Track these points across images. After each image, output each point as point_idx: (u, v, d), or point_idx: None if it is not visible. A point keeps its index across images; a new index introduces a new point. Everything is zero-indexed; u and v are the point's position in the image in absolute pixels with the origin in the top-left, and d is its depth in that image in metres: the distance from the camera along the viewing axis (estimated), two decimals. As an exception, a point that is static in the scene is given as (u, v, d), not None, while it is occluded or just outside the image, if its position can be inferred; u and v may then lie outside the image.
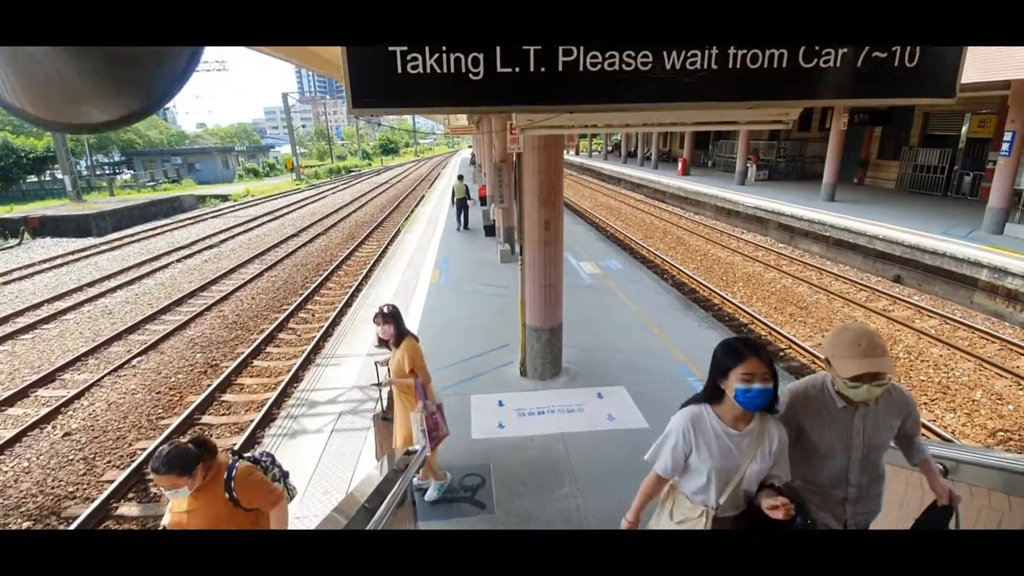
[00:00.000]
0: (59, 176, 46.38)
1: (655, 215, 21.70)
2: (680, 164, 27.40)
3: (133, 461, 6.20)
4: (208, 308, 11.73)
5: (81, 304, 12.55)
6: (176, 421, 6.89)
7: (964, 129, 17.07)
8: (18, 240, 21.06)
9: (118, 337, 10.23)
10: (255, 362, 8.92)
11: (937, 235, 11.65)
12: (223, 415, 7.27)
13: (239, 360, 8.68)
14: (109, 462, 6.44)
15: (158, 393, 7.94)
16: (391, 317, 3.76)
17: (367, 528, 2.25)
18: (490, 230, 13.81)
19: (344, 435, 5.06)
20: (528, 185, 5.07)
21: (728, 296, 10.99)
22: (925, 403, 6.77)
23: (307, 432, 5.13)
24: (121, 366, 8.85)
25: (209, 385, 7.92)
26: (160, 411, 7.45)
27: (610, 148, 46.88)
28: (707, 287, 11.73)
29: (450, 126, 30.95)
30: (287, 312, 10.98)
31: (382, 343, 3.89)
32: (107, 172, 52.34)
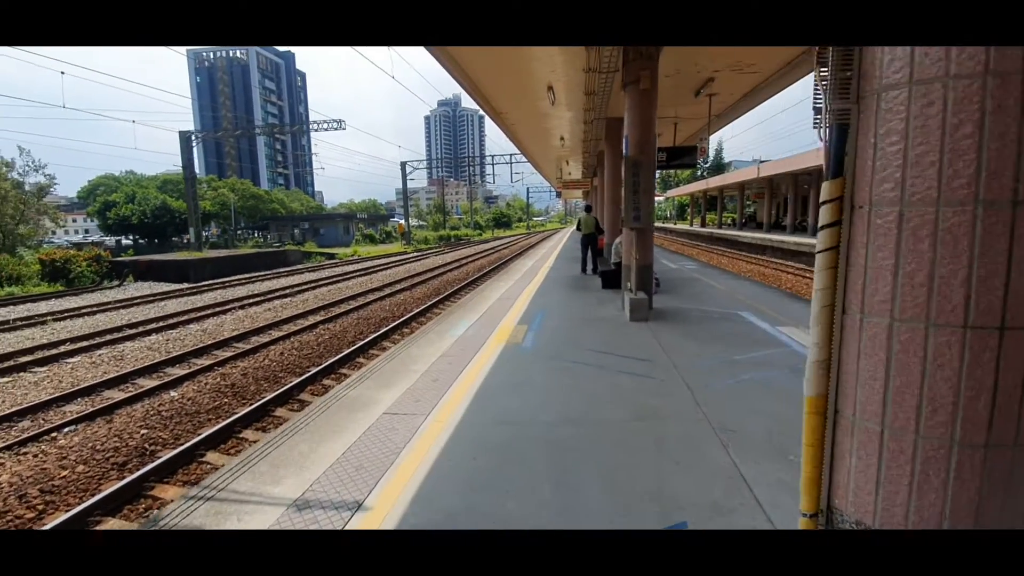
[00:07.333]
0: (209, 233, 52.11)
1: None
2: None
3: None
4: (220, 363, 8.68)
5: (99, 346, 10.39)
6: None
7: None
8: (119, 282, 20.97)
9: (84, 392, 7.39)
10: (207, 456, 5.33)
11: None
12: None
13: (187, 445, 5.17)
14: None
15: (22, 498, 4.52)
16: None
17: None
18: (610, 279, 9.53)
19: None
20: None
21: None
22: None
23: None
24: (30, 440, 5.78)
25: (107, 488, 4.40)
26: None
27: (743, 220, 41.15)
28: None
29: (561, 180, 28.27)
30: (305, 376, 7.51)
31: None
32: (250, 234, 57.81)
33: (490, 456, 3.10)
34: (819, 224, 1.23)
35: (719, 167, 61.43)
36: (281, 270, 26.16)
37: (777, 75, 9.77)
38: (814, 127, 1.20)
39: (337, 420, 3.67)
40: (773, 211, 35.78)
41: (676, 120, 14.22)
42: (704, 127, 14.01)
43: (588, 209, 12.85)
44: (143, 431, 6.10)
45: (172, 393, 7.41)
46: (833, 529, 1.35)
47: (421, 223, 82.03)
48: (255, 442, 5.74)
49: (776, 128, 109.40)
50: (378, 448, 3.21)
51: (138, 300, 16.74)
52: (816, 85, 1.17)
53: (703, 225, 47.15)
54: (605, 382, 4.45)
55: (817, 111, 1.18)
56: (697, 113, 12.99)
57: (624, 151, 6.82)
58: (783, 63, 9.07)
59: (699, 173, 55.49)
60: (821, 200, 1.20)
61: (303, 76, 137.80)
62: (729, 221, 44.28)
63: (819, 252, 1.20)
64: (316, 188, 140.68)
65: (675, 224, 59.91)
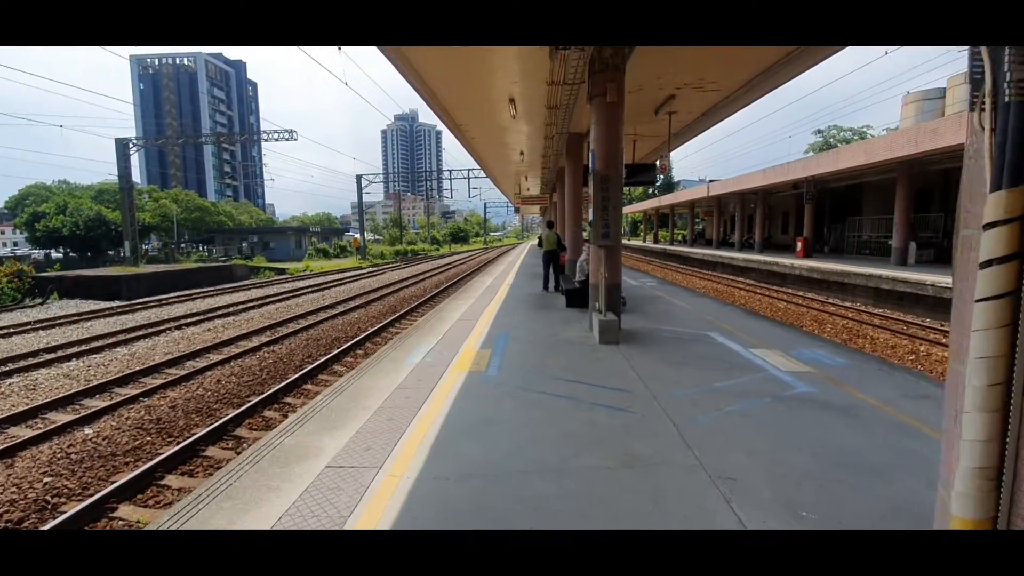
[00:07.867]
0: (150, 247, 49.00)
1: (785, 300, 16.39)
2: (799, 245, 23.22)
3: None
4: (146, 393, 7.80)
5: (9, 374, 9.41)
6: None
7: None
8: (42, 300, 19.10)
9: (-22, 432, 6.40)
10: (120, 509, 4.62)
11: None
12: None
13: (95, 498, 4.41)
14: None
15: None
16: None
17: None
18: (575, 297, 9.22)
19: None
20: None
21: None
22: None
23: None
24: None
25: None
26: None
27: (693, 237, 42.34)
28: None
29: (520, 196, 28.05)
30: (243, 408, 6.80)
31: None
32: (194, 248, 54.76)
33: (457, 524, 2.59)
34: (981, 258, 0.84)
35: (669, 186, 63.28)
36: (226, 286, 24.64)
37: (736, 94, 9.85)
38: (970, 110, 0.82)
39: (267, 480, 3.05)
40: (720, 229, 36.98)
41: (635, 138, 14.27)
42: (661, 145, 14.10)
43: (550, 225, 12.56)
44: (46, 479, 5.25)
45: (86, 430, 6.52)
46: (833, 530, 1.20)
47: (377, 237, 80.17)
48: (180, 490, 5.01)
49: (722, 150, 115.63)
50: (315, 518, 2.63)
51: (61, 320, 15.22)
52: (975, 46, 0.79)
53: (656, 241, 48.28)
54: (581, 418, 4.03)
55: (976, 84, 0.80)
56: (655, 131, 13.04)
57: (591, 166, 6.54)
58: (743, 82, 9.13)
59: (650, 191, 56.87)
60: (985, 222, 0.81)
61: (255, 86, 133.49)
62: (680, 238, 45.42)
63: (980, 302, 0.81)
64: (267, 200, 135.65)
65: (629, 240, 61.13)
